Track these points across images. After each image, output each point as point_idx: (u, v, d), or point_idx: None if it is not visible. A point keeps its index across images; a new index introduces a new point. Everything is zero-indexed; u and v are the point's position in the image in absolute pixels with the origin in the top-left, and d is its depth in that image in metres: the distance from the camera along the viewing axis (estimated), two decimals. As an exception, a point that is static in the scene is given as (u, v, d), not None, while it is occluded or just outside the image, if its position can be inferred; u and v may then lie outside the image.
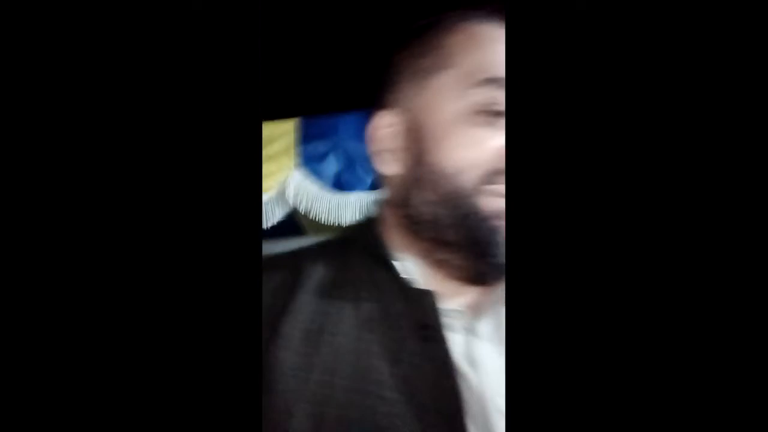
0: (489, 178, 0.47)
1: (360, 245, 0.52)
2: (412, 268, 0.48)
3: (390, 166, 0.50)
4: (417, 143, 0.50)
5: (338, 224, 1.11)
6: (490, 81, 0.48)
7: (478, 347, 0.46)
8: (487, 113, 0.48)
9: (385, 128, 0.51)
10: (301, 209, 1.10)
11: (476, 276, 0.47)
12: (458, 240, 0.47)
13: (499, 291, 0.50)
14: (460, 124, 0.48)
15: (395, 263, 0.48)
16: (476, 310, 0.48)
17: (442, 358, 0.43)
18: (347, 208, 1.12)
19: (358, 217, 1.07)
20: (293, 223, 1.11)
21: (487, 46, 0.51)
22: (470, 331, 0.47)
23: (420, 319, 0.45)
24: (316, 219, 1.11)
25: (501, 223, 0.47)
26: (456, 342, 0.45)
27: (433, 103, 0.50)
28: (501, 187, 0.47)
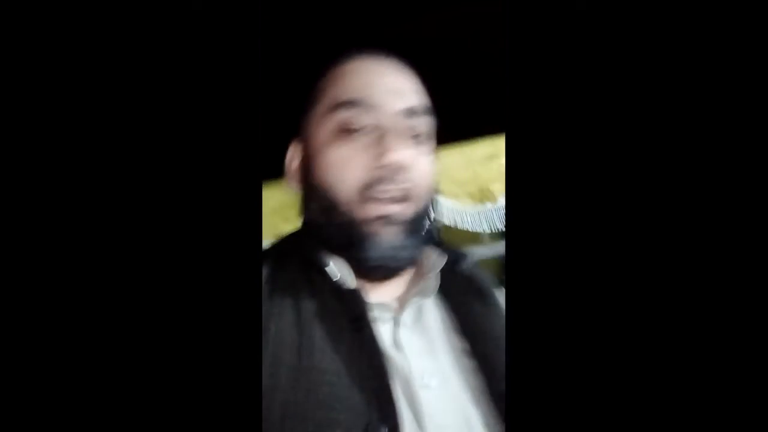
0: (361, 190, 0.52)
1: (296, 252, 0.56)
2: (340, 269, 0.52)
3: (294, 185, 0.58)
4: (306, 165, 0.57)
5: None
6: (345, 104, 0.54)
7: (402, 334, 0.52)
8: (345, 131, 0.53)
9: (290, 155, 0.59)
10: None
11: (366, 274, 0.53)
12: (342, 245, 0.52)
13: (418, 284, 0.55)
14: (329, 145, 0.54)
15: (326, 267, 0.52)
16: (400, 302, 0.54)
17: (373, 345, 0.48)
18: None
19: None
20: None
21: (349, 76, 0.56)
22: (395, 320, 0.53)
23: (351, 313, 0.50)
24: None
25: (375, 228, 0.52)
26: (383, 330, 0.51)
27: (313, 130, 0.56)
28: (374, 197, 0.52)
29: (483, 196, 1.23)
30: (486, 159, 1.22)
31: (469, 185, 1.24)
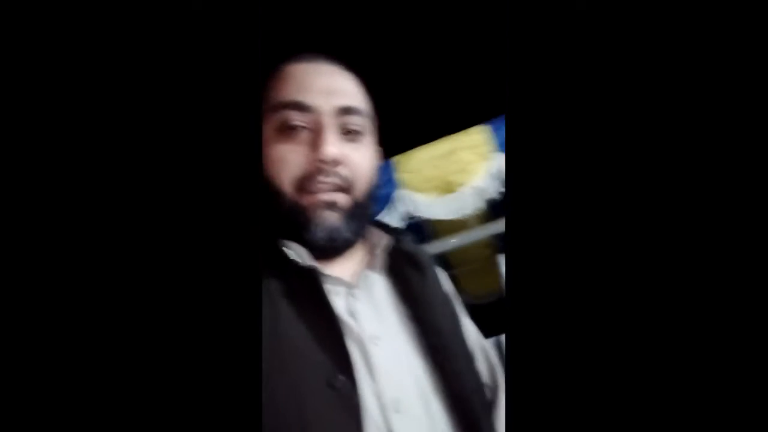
0: (301, 181, 0.58)
1: (261, 237, 0.56)
2: (297, 251, 0.58)
3: None
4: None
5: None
6: (284, 104, 0.59)
7: (354, 303, 0.60)
8: (286, 129, 0.59)
9: None
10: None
11: (318, 254, 0.59)
12: (293, 229, 0.58)
13: (366, 260, 0.63)
14: (273, 141, 0.59)
15: (285, 249, 0.58)
16: (351, 277, 0.62)
17: (330, 313, 0.55)
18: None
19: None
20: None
21: (290, 79, 0.61)
22: (349, 292, 0.60)
23: (311, 288, 0.56)
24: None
25: (318, 213, 0.58)
26: (339, 300, 0.58)
27: (263, 130, 0.61)
28: (313, 187, 0.58)
29: (447, 188, 1.43)
30: (446, 155, 1.43)
31: (435, 180, 1.44)
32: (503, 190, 1.61)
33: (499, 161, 1.47)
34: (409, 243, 0.70)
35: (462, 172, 1.40)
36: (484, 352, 0.71)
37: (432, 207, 1.47)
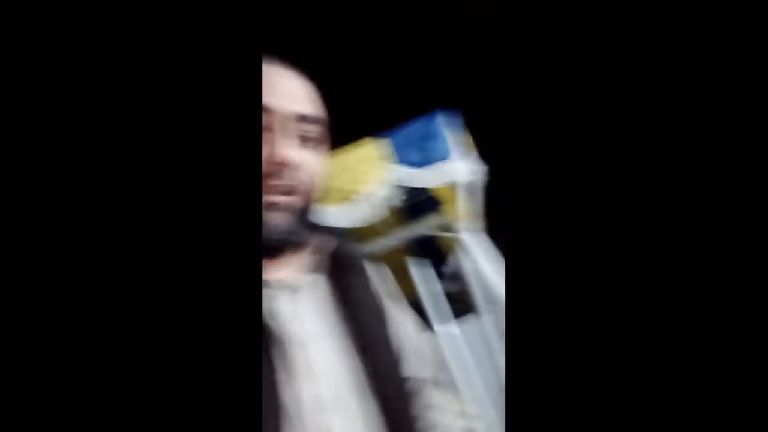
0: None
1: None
2: None
3: None
4: None
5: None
6: None
7: (296, 305, 0.62)
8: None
9: None
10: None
11: (270, 255, 0.60)
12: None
13: (309, 263, 0.65)
14: None
15: None
16: (295, 279, 0.63)
17: (271, 316, 0.57)
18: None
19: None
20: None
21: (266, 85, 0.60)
22: (293, 293, 0.62)
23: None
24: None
25: (271, 215, 0.59)
26: (282, 302, 0.60)
27: None
28: (269, 189, 0.58)
29: (346, 197, 1.55)
30: (343, 167, 1.55)
31: (334, 191, 1.55)
32: (405, 197, 1.75)
33: (394, 171, 1.60)
34: (346, 245, 0.72)
35: (358, 183, 1.52)
36: (419, 347, 0.73)
37: (336, 216, 1.58)
